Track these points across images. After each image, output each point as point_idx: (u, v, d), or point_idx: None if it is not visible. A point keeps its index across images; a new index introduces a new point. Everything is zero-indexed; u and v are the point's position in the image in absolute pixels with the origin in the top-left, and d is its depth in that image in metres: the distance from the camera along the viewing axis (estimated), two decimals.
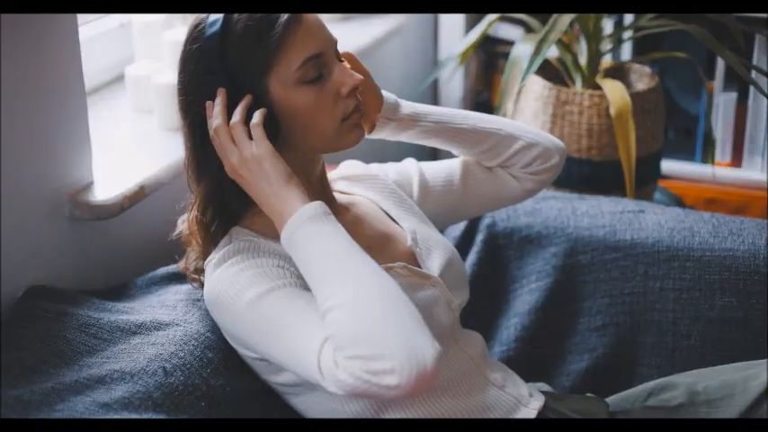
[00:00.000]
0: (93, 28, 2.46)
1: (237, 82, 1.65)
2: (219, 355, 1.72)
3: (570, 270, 2.21)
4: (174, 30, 2.48)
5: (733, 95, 3.44)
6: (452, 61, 3.02)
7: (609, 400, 1.90)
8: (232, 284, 1.62)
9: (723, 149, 3.51)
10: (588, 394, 1.97)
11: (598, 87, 2.78)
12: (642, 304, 2.16)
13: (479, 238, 2.26)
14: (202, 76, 1.67)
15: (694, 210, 2.30)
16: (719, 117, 3.46)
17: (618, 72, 2.98)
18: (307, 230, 1.55)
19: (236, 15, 1.64)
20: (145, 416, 1.52)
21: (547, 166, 1.97)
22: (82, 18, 1.91)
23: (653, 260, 2.16)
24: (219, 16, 1.65)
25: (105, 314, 1.74)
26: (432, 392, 1.69)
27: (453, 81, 3.79)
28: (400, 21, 3.39)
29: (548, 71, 2.92)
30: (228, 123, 1.65)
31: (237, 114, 1.64)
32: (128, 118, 2.34)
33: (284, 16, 1.64)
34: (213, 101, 1.66)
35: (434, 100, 3.93)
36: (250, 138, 1.64)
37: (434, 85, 3.89)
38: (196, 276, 1.81)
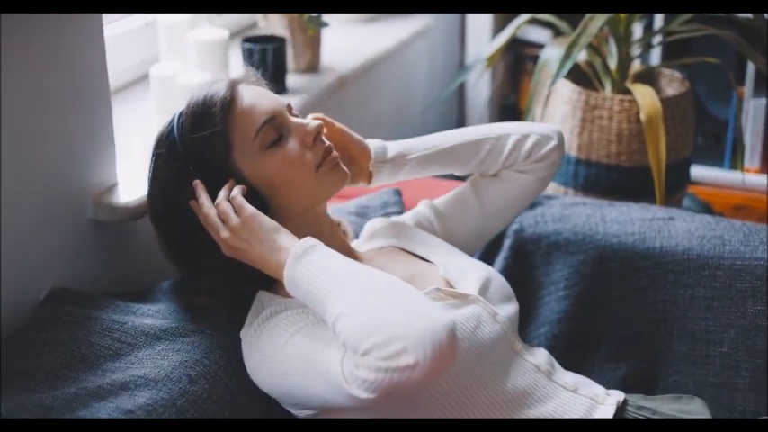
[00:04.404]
0: (117, 27, 2.45)
1: (208, 172, 1.70)
2: (245, 366, 1.69)
3: (599, 278, 2.18)
4: (199, 30, 2.46)
5: (763, 101, 3.41)
6: (479, 64, 3.00)
7: None
8: (267, 348, 1.62)
9: (752, 155, 3.48)
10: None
11: (627, 92, 2.75)
12: (674, 312, 2.13)
13: (507, 244, 2.24)
14: (174, 182, 1.72)
15: (725, 217, 2.27)
16: (749, 123, 3.43)
17: (647, 77, 2.95)
18: (302, 265, 1.56)
19: (183, 112, 1.72)
20: None
21: (548, 149, 1.97)
22: (106, 17, 1.90)
23: (683, 269, 2.13)
24: (173, 124, 1.72)
25: (130, 317, 1.72)
26: (503, 405, 1.68)
27: (480, 84, 3.77)
28: (426, 22, 3.37)
29: (576, 75, 2.89)
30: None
31: (221, 194, 1.68)
32: (152, 118, 2.32)
33: (219, 94, 1.70)
34: (192, 200, 1.71)
35: (460, 103, 3.91)
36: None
37: (461, 89, 3.87)
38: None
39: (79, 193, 1.84)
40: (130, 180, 1.93)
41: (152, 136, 2.21)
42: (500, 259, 2.23)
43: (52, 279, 1.78)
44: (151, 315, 1.75)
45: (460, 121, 3.93)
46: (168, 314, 1.76)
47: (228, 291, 1.77)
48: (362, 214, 2.26)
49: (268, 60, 2.51)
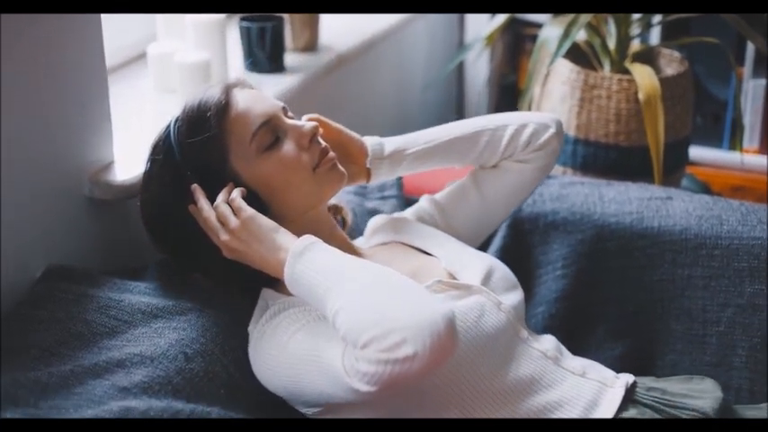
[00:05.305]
0: None
1: (206, 176, 1.70)
2: (242, 344, 1.69)
3: (597, 257, 2.18)
4: None
5: (762, 81, 3.40)
6: (478, 43, 2.99)
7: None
8: (270, 347, 1.63)
9: (751, 136, 3.48)
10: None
11: (627, 72, 2.75)
12: (671, 291, 2.13)
13: (505, 223, 2.23)
14: (172, 188, 1.72)
15: (722, 197, 2.27)
16: (748, 103, 3.42)
17: (647, 56, 2.94)
18: (302, 263, 1.57)
19: (179, 117, 1.73)
20: (164, 401, 1.50)
21: (547, 137, 1.96)
22: None
23: (681, 248, 2.13)
24: (169, 130, 1.73)
25: (126, 295, 1.72)
26: (510, 393, 1.67)
27: (479, 64, 3.76)
28: None
29: (575, 54, 2.88)
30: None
31: (219, 197, 1.69)
32: (149, 97, 2.32)
33: (214, 98, 1.71)
34: (191, 205, 1.72)
35: (460, 83, 3.90)
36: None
37: (460, 68, 3.86)
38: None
39: (76, 170, 1.84)
40: (127, 158, 1.93)
41: (149, 114, 2.23)
42: (498, 239, 2.23)
43: (49, 256, 1.78)
44: (148, 293, 1.75)
45: (460, 101, 3.92)
46: (165, 292, 1.76)
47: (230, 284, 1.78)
48: (361, 194, 2.26)
49: (266, 39, 2.51)
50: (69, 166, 1.83)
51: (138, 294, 1.74)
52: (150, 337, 1.63)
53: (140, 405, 1.46)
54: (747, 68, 3.40)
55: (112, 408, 1.43)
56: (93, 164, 1.87)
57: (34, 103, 1.71)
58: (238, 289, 1.77)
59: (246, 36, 2.51)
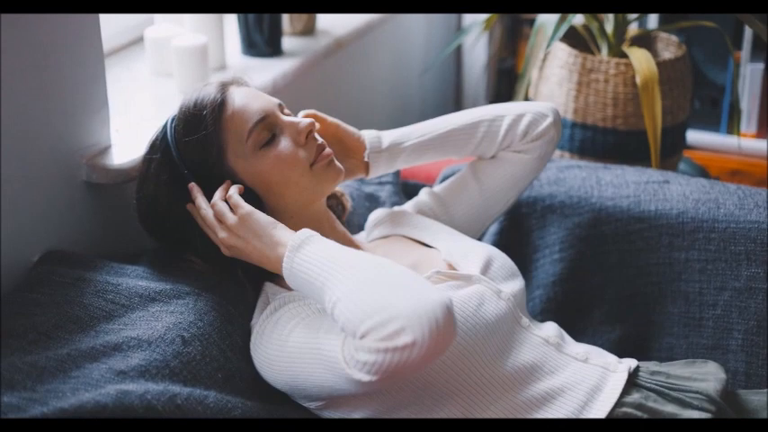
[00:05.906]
0: None
1: (203, 174, 1.72)
2: (239, 329, 1.70)
3: (594, 241, 2.18)
4: None
5: (760, 66, 3.40)
6: (477, 27, 2.99)
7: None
8: (270, 342, 1.63)
9: (749, 120, 3.48)
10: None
11: (624, 55, 2.75)
12: (669, 275, 2.14)
13: None
14: (169, 186, 1.73)
15: (719, 181, 2.27)
16: (746, 87, 3.42)
17: (644, 40, 2.94)
18: (300, 257, 1.57)
19: (176, 116, 1.74)
20: (161, 385, 1.50)
21: (544, 127, 1.97)
22: None
23: (678, 231, 2.13)
24: (166, 129, 1.74)
25: (124, 279, 1.72)
26: (513, 380, 1.67)
27: (477, 48, 3.76)
28: None
29: (573, 38, 2.88)
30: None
31: (217, 195, 1.70)
32: (147, 81, 2.32)
33: (210, 97, 1.72)
34: (189, 203, 1.73)
35: (457, 67, 3.90)
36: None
37: (458, 52, 3.86)
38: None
39: (73, 155, 1.84)
40: (124, 142, 1.93)
41: (146, 98, 2.22)
42: (495, 222, 2.23)
43: (46, 241, 1.78)
44: (145, 277, 1.75)
45: (458, 85, 3.92)
46: (162, 276, 1.76)
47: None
48: (359, 179, 2.27)
49: (264, 23, 2.50)
50: (66, 151, 1.82)
51: (136, 278, 1.74)
52: (147, 321, 1.63)
53: (137, 388, 1.46)
54: (745, 53, 3.40)
55: (109, 391, 1.43)
56: (90, 148, 1.87)
57: (31, 88, 1.71)
58: (239, 283, 1.78)
59: (244, 20, 2.50)
